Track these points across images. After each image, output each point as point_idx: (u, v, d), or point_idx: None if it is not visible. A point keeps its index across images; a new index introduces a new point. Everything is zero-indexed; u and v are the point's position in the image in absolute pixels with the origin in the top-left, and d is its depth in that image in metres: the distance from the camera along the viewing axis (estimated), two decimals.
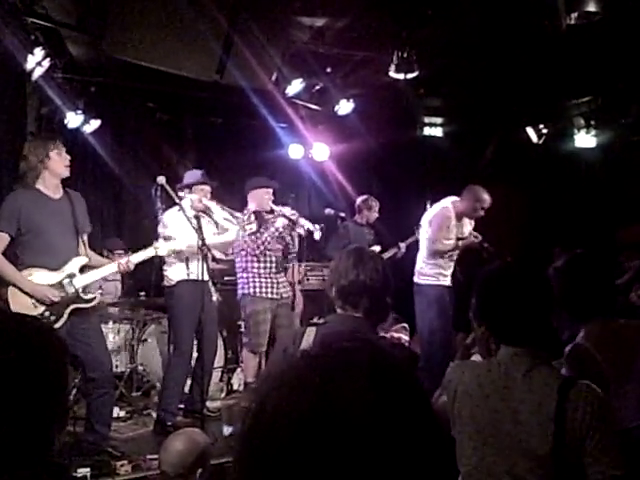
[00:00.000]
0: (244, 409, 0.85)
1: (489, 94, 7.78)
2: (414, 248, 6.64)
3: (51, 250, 4.25)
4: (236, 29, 5.51)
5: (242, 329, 6.29)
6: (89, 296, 4.39)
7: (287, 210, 5.83)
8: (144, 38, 5.51)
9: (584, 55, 6.34)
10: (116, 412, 5.49)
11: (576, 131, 8.71)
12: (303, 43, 6.33)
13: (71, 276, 4.30)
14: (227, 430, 4.99)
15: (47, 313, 4.18)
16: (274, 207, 5.84)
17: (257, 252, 5.70)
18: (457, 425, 2.10)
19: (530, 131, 8.52)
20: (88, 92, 6.98)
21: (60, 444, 3.91)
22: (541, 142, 8.56)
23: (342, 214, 7.11)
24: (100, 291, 5.18)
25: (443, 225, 5.87)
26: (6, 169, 6.33)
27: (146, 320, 6.42)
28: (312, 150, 8.34)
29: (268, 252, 5.76)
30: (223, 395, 6.28)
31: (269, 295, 5.80)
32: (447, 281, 6.02)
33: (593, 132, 8.58)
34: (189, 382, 5.45)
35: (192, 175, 5.65)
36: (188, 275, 5.22)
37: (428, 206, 6.63)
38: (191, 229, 4.91)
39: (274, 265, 5.82)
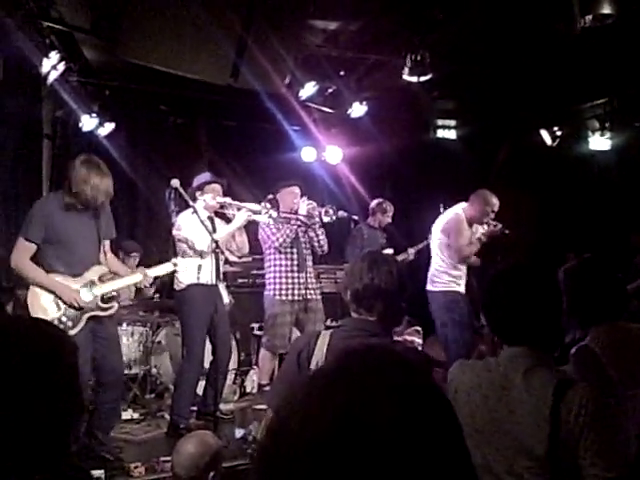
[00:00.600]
0: (264, 428, 0.84)
1: (502, 96, 7.76)
2: (424, 253, 6.63)
3: (72, 257, 4.25)
4: (250, 33, 5.54)
5: (258, 330, 6.34)
6: (108, 304, 4.38)
7: (303, 207, 5.91)
8: (158, 42, 5.54)
9: (599, 57, 6.32)
10: (130, 414, 5.53)
11: (590, 134, 8.69)
12: (316, 46, 6.34)
13: (91, 284, 4.31)
14: (239, 433, 4.99)
15: (64, 318, 4.18)
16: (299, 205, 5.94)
17: (277, 244, 5.80)
18: None
19: (544, 133, 8.48)
20: (102, 95, 7.02)
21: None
22: (555, 145, 8.52)
23: (355, 217, 7.08)
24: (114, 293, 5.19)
25: (462, 229, 5.85)
26: (22, 171, 6.40)
27: (160, 322, 6.43)
28: (325, 153, 8.33)
29: (290, 249, 5.90)
30: (236, 398, 6.28)
31: (289, 297, 5.84)
32: (462, 287, 5.98)
33: (607, 135, 8.55)
34: (203, 384, 5.45)
35: (201, 177, 5.66)
36: (198, 279, 5.20)
37: (441, 209, 6.60)
38: (205, 231, 4.93)
39: (296, 263, 5.91)
